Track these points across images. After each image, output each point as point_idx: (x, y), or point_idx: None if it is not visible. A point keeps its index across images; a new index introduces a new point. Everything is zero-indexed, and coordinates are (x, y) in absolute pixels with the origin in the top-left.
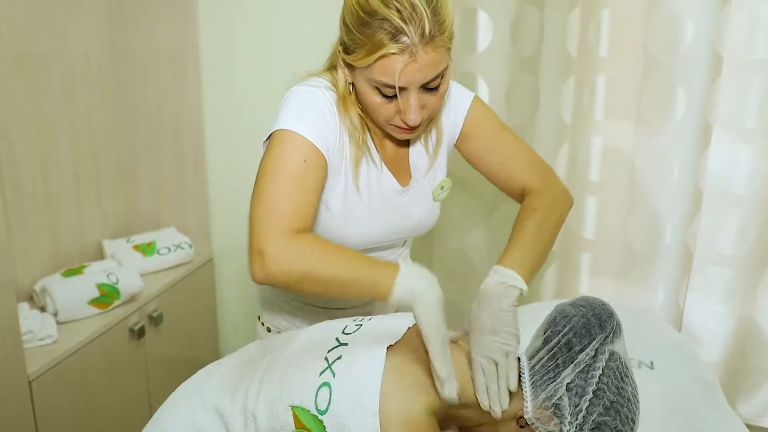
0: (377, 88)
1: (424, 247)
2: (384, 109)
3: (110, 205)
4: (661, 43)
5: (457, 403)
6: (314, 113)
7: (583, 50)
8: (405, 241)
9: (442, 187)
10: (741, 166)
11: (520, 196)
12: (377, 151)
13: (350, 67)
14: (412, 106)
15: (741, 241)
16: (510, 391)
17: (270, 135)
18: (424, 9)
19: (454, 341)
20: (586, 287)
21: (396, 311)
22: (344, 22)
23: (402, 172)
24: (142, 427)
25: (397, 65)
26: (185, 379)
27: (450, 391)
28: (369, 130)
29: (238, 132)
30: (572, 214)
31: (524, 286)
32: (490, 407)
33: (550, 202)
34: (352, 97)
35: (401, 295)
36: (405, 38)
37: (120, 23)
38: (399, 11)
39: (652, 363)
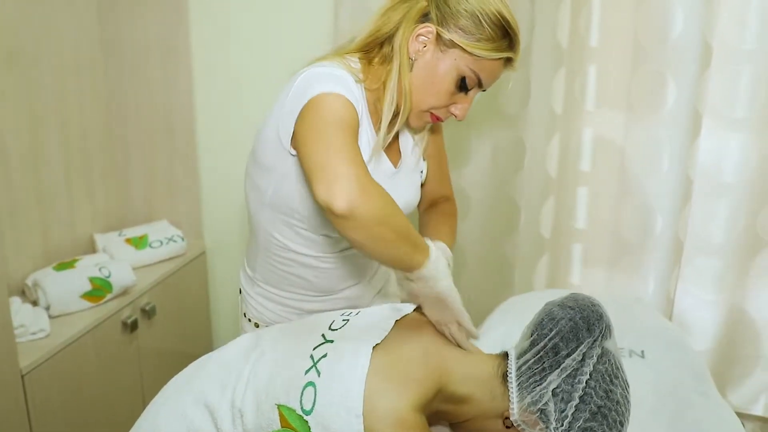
0: (463, 78)
1: None
2: (446, 96)
3: (102, 199)
4: (651, 33)
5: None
6: (343, 84)
7: (573, 41)
8: None
9: (427, 169)
10: (731, 156)
11: (433, 201)
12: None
13: (443, 45)
14: (470, 103)
15: (731, 231)
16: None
17: (303, 106)
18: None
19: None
20: (578, 277)
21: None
22: (469, 11)
23: (393, 154)
24: (135, 420)
25: (501, 69)
26: (178, 373)
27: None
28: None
29: (229, 124)
30: (564, 204)
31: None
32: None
33: (457, 215)
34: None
35: (431, 266)
36: (516, 53)
37: (110, 17)
38: (518, 31)
39: (643, 352)
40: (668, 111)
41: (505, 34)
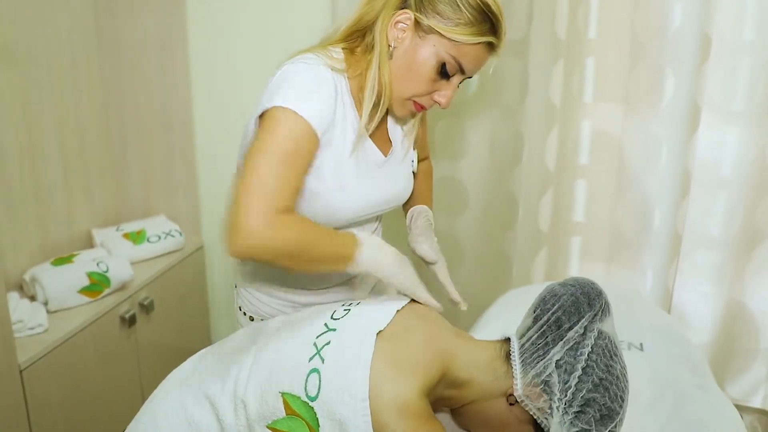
0: (444, 64)
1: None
2: (427, 83)
3: (99, 195)
4: (649, 25)
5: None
6: (313, 90)
7: (572, 33)
8: (379, 216)
9: (417, 158)
10: (729, 149)
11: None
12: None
13: (421, 32)
14: (453, 90)
15: (729, 224)
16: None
17: (264, 111)
18: (505, 22)
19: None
20: (576, 271)
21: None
22: None
23: (383, 143)
24: (134, 415)
25: (485, 54)
26: (176, 367)
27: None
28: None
29: (226, 119)
30: (562, 198)
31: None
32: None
33: (432, 168)
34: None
35: (363, 262)
36: (498, 38)
37: (107, 13)
38: (501, 16)
39: (641, 345)
40: (667, 104)
41: (485, 18)
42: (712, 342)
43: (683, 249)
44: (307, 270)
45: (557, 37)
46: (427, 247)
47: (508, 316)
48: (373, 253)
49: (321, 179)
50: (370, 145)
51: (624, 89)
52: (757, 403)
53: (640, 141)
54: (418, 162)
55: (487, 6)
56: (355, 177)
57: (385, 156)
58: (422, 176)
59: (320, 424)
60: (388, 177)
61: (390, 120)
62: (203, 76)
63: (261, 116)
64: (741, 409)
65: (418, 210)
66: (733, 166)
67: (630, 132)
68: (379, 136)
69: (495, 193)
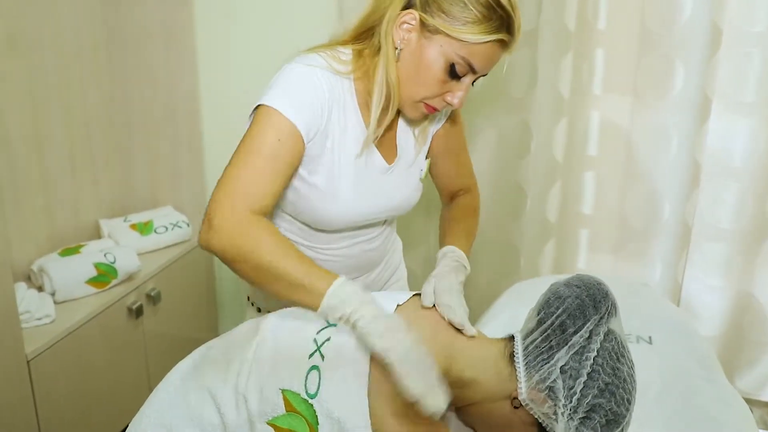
0: (453, 65)
1: (422, 225)
2: (437, 84)
3: (106, 185)
4: (659, 16)
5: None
6: (303, 94)
7: (581, 24)
8: (386, 220)
9: (427, 167)
10: (739, 140)
11: (453, 194)
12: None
13: (427, 32)
14: (466, 90)
15: (739, 216)
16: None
17: (255, 108)
18: (519, 16)
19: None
20: (584, 263)
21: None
22: None
23: (388, 150)
24: (140, 406)
25: (496, 52)
26: (182, 359)
27: (435, 403)
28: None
29: (233, 109)
30: (570, 190)
31: (469, 267)
32: (463, 326)
33: (479, 205)
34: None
35: (326, 310)
36: (511, 34)
37: (113, 1)
38: (513, 10)
39: (650, 338)
40: (676, 95)
41: (493, 15)
42: (721, 335)
43: (693, 241)
44: (264, 283)
45: (567, 28)
46: (429, 288)
47: (515, 309)
48: (349, 291)
49: (313, 186)
50: (374, 152)
51: (633, 80)
52: (766, 396)
53: (649, 132)
54: (456, 193)
55: (497, 1)
56: (351, 186)
57: (389, 164)
58: (459, 213)
59: (319, 422)
60: (390, 186)
61: (400, 125)
62: (210, 65)
63: (254, 111)
64: (750, 402)
65: (444, 251)
66: (742, 157)
67: (639, 123)
68: (386, 143)
69: (503, 183)
